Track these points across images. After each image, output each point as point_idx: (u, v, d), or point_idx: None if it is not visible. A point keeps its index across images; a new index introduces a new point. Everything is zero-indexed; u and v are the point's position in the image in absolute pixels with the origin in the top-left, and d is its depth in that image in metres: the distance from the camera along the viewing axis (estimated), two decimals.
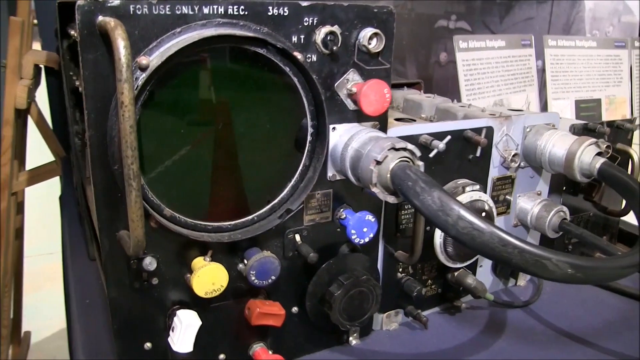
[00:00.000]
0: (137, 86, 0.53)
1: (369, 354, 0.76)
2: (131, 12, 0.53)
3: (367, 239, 0.69)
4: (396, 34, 0.67)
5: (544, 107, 1.54)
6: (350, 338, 0.78)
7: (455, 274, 0.83)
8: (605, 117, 1.60)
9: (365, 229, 0.68)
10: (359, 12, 0.64)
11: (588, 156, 0.77)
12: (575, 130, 0.88)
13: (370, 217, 0.68)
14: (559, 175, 0.86)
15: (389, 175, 0.59)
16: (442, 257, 0.79)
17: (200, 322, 0.63)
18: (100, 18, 0.51)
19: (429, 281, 0.84)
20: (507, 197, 0.86)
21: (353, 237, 0.68)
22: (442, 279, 0.85)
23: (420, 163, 0.62)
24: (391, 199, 0.61)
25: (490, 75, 1.35)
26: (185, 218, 0.61)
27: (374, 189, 0.61)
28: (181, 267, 0.63)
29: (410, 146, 0.61)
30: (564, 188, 0.94)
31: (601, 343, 0.78)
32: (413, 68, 1.52)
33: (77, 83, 0.88)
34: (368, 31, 0.64)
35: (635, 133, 0.98)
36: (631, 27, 2.09)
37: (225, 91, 0.61)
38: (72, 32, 0.84)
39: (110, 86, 0.54)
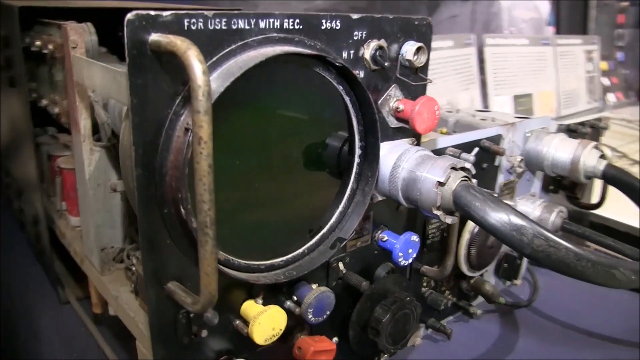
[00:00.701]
0: None
1: None
2: (185, 28, 0.45)
3: (411, 260, 0.66)
4: None
5: (485, 103, 1.60)
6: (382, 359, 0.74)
7: (472, 281, 0.83)
8: (537, 111, 1.70)
9: (410, 250, 0.65)
10: (402, 24, 0.60)
11: (592, 159, 0.79)
12: (569, 129, 0.91)
13: (414, 238, 0.65)
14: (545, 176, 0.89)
15: (451, 197, 0.56)
16: (465, 268, 0.78)
17: None
18: (156, 36, 0.43)
19: (447, 292, 0.82)
20: (510, 202, 0.87)
21: (400, 259, 0.64)
22: (457, 288, 0.84)
23: (475, 180, 0.59)
24: (450, 220, 0.58)
25: (444, 75, 1.37)
26: (238, 260, 0.54)
27: (436, 212, 0.57)
28: (229, 314, 0.56)
29: (467, 165, 0.58)
30: (551, 187, 0.97)
31: (607, 333, 0.82)
32: None
33: (45, 102, 0.76)
34: (412, 45, 0.60)
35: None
36: (538, 24, 2.24)
37: (282, 116, 0.54)
38: (38, 43, 0.73)
39: (162, 115, 0.46)
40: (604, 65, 1.95)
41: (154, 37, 0.43)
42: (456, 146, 0.73)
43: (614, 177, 0.78)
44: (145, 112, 0.45)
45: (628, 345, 0.80)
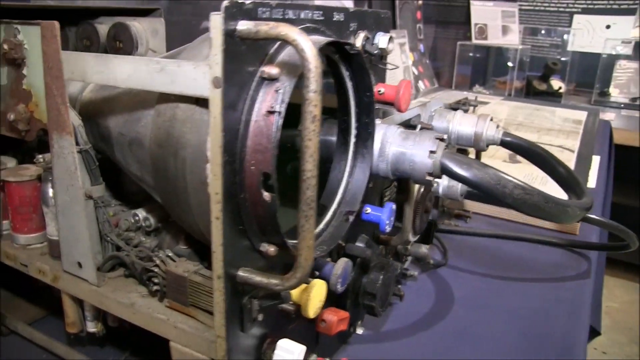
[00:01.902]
0: (284, 101, 0.48)
1: (378, 337, 0.82)
2: (258, 15, 0.47)
3: (390, 227, 0.74)
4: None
5: None
6: (357, 329, 0.81)
7: (409, 246, 0.94)
8: None
9: (391, 218, 0.73)
10: (375, 17, 0.68)
11: (491, 130, 0.97)
12: (451, 107, 1.08)
13: (393, 207, 0.73)
14: None
15: (439, 163, 0.67)
16: (410, 234, 0.89)
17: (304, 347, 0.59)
18: (250, 23, 0.45)
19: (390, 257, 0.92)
20: None
21: (386, 227, 0.72)
22: (394, 254, 0.94)
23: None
24: (434, 183, 0.69)
25: None
26: (289, 240, 0.56)
27: (429, 177, 0.67)
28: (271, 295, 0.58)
29: (445, 136, 0.69)
30: None
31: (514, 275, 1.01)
32: None
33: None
34: (384, 35, 0.69)
35: None
36: None
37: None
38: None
39: (241, 100, 0.47)
40: (412, 56, 2.26)
41: (246, 24, 0.44)
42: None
43: (511, 143, 0.96)
44: (230, 98, 0.46)
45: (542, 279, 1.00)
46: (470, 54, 2.86)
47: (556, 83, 2.87)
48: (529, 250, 1.09)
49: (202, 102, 0.49)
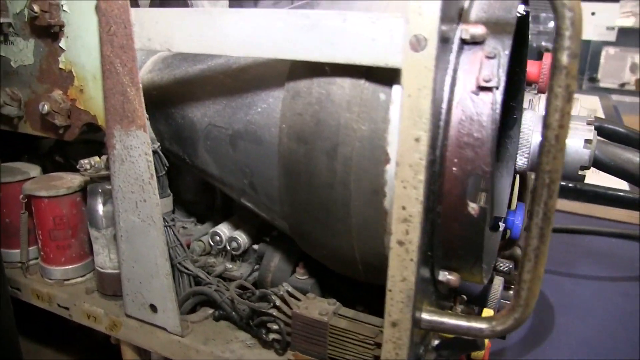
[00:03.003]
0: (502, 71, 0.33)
1: None
2: None
3: None
4: None
5: None
6: None
7: None
8: None
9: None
10: None
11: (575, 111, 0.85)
12: None
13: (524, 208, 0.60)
14: None
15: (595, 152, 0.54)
16: None
17: None
18: None
19: None
20: None
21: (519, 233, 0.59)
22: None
23: None
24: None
25: None
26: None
27: (581, 172, 0.54)
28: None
29: (593, 117, 0.56)
30: None
31: None
32: None
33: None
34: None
35: None
36: None
37: None
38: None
39: (441, 73, 0.32)
40: None
41: None
42: None
43: (603, 128, 0.84)
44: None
45: None
46: None
47: None
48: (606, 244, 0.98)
49: (377, 74, 0.34)
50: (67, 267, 0.52)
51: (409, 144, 0.31)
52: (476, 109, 0.33)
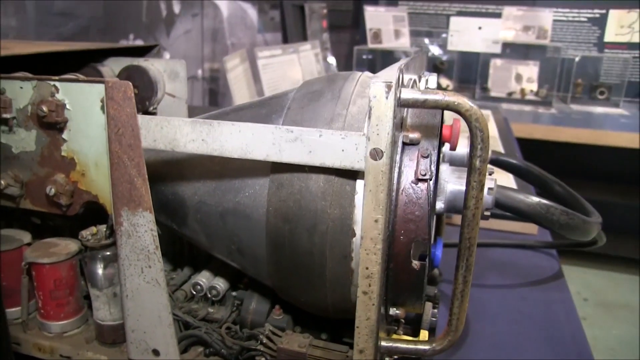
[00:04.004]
0: (434, 167, 0.46)
1: None
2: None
3: None
4: None
5: None
6: None
7: None
8: None
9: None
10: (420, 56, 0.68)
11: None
12: None
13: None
14: None
15: (494, 197, 0.69)
16: None
17: None
18: (418, 94, 0.42)
19: None
20: None
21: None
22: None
23: None
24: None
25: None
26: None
27: (486, 213, 0.69)
28: None
29: (494, 170, 0.71)
30: None
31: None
32: None
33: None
34: (432, 75, 0.69)
35: None
36: (252, 31, 2.47)
37: None
38: None
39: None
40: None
41: (412, 92, 0.42)
42: None
43: (502, 161, 1.00)
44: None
45: None
46: (364, 57, 2.95)
47: (443, 81, 3.07)
48: (502, 255, 1.16)
49: (344, 173, 0.46)
50: (65, 322, 0.59)
51: (370, 223, 0.43)
52: (416, 195, 0.46)
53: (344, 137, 0.44)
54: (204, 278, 0.61)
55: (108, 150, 0.51)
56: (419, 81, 0.64)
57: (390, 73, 0.43)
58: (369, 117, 0.41)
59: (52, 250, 0.58)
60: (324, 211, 0.46)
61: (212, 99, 2.23)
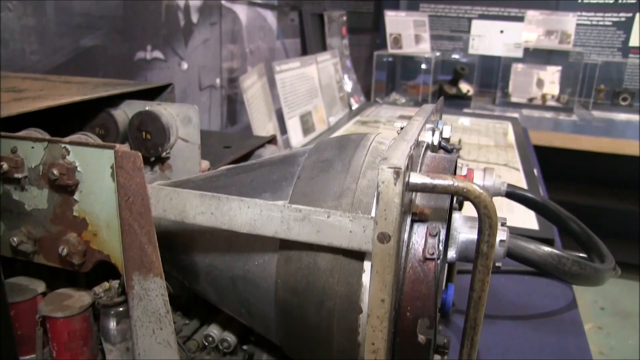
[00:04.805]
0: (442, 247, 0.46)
1: None
2: None
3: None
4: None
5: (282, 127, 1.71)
6: None
7: None
8: (316, 126, 1.89)
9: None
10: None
11: (498, 183, 1.00)
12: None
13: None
14: None
15: (506, 248, 0.68)
16: None
17: None
18: (425, 177, 0.42)
19: None
20: None
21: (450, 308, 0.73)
22: None
23: None
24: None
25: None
26: None
27: (498, 264, 0.68)
28: None
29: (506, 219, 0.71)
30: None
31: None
32: None
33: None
34: (447, 125, 0.69)
35: None
36: (270, 36, 2.47)
37: None
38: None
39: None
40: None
41: (421, 177, 0.42)
42: None
43: (517, 195, 0.99)
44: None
45: None
46: (384, 60, 2.94)
47: (464, 86, 3.04)
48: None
49: (351, 253, 0.46)
50: None
51: (376, 303, 0.43)
52: (423, 273, 0.46)
53: (352, 219, 0.44)
54: (215, 330, 0.62)
55: (119, 215, 0.51)
56: (433, 135, 0.63)
57: (399, 153, 0.42)
58: (377, 202, 0.41)
59: (66, 304, 0.59)
60: (331, 288, 0.46)
61: (231, 107, 2.25)
